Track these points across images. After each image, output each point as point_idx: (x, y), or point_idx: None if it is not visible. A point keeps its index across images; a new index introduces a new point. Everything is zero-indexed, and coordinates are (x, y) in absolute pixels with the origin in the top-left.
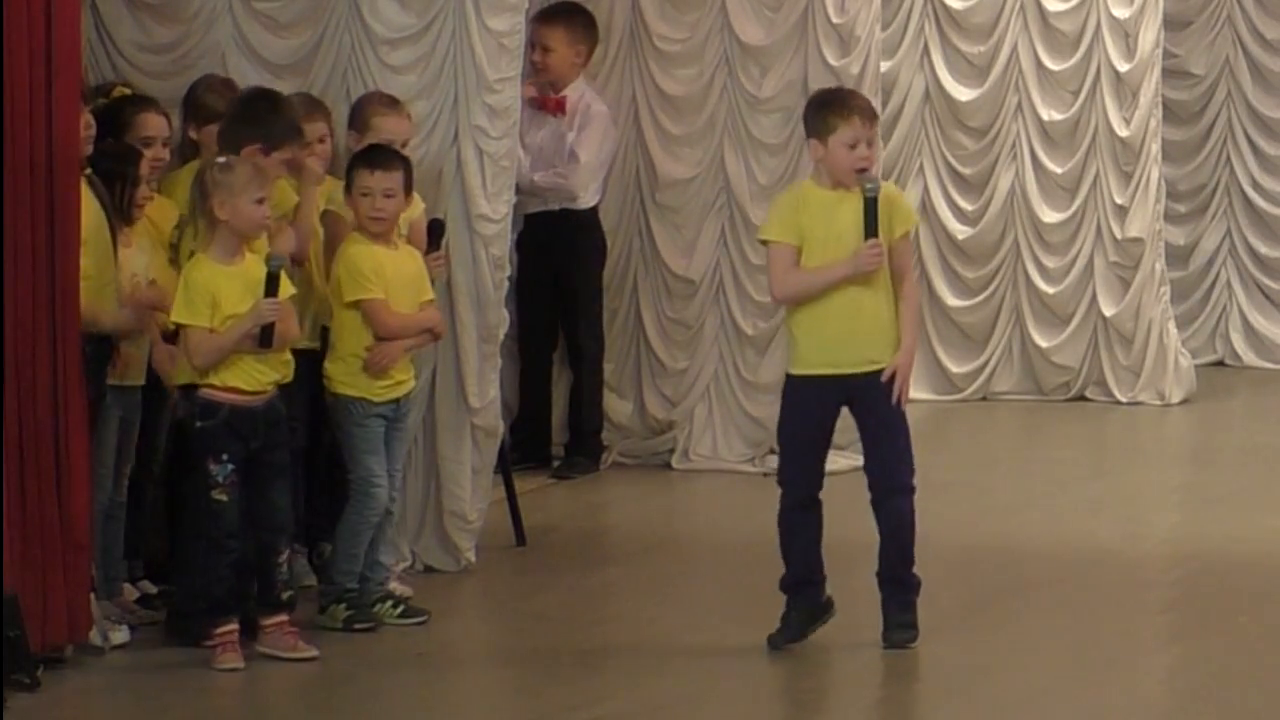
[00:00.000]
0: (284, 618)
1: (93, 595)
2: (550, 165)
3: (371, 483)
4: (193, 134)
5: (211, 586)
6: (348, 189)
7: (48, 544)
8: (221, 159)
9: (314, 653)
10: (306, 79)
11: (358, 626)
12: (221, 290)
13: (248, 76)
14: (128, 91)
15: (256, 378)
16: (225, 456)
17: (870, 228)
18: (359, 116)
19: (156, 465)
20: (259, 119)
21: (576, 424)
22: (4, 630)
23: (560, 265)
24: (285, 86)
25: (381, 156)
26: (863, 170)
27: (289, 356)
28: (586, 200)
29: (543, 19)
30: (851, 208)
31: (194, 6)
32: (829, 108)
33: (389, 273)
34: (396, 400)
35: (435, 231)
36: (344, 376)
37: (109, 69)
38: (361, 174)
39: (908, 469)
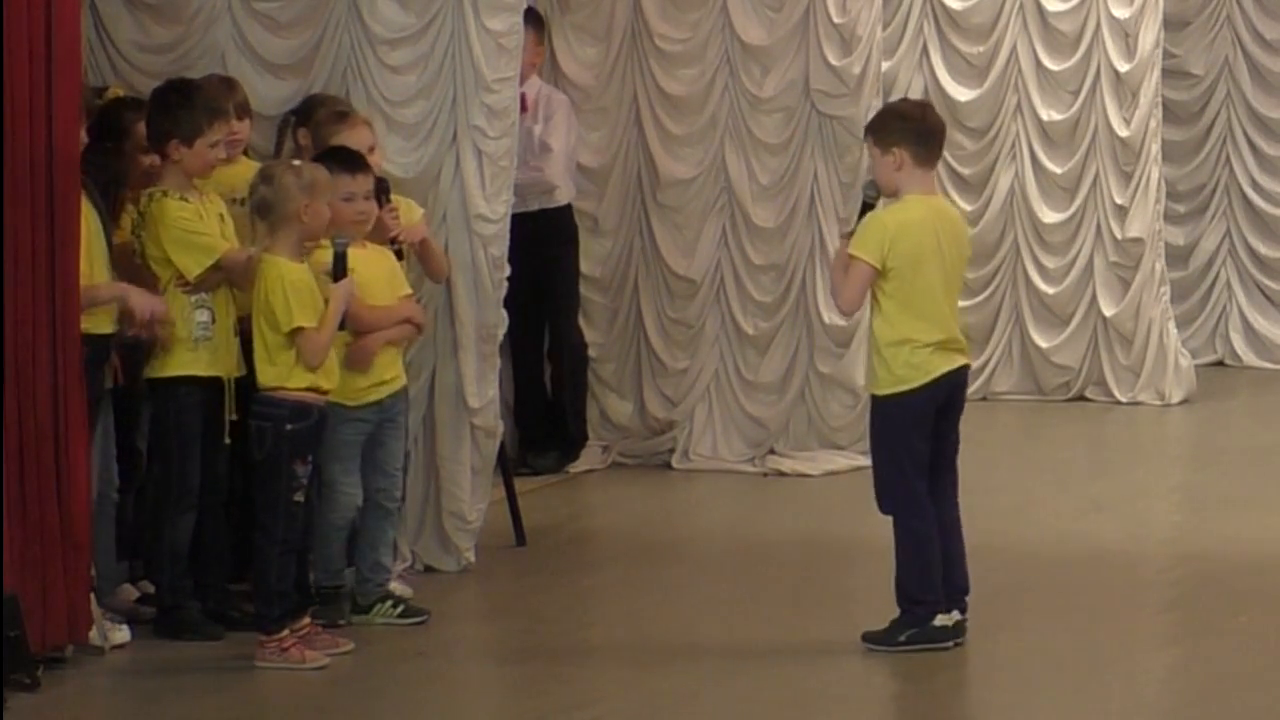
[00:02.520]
0: (308, 619)
1: (93, 595)
2: (522, 162)
3: (335, 488)
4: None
5: (285, 588)
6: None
7: (48, 544)
8: (296, 162)
9: (351, 645)
10: (306, 79)
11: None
12: (315, 290)
13: (247, 76)
14: (121, 92)
15: (331, 377)
16: (310, 458)
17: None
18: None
19: (156, 466)
20: (170, 113)
21: (559, 416)
22: (4, 630)
23: (540, 264)
24: (285, 87)
25: (354, 159)
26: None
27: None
28: (564, 195)
29: None
30: None
31: (194, 6)
32: None
33: (360, 271)
34: (379, 402)
35: (381, 188)
36: None
37: (109, 69)
38: (343, 179)
39: (881, 496)
